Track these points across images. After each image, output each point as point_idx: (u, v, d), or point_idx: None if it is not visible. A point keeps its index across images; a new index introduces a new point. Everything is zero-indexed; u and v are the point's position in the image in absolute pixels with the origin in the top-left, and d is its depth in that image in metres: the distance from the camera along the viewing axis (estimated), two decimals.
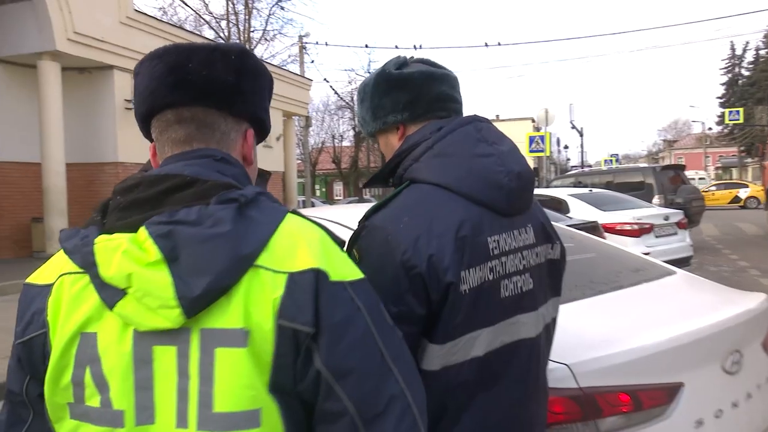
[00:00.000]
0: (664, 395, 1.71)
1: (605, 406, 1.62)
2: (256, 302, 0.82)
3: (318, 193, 41.66)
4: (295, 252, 0.85)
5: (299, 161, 27.09)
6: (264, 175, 1.96)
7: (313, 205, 22.37)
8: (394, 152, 1.34)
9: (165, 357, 0.82)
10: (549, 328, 1.35)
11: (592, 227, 6.36)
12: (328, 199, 40.16)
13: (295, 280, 0.83)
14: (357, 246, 1.20)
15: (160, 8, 24.56)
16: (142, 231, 0.82)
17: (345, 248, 1.08)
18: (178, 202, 0.86)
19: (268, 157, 19.46)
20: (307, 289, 0.83)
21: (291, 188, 21.30)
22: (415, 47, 23.43)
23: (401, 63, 1.38)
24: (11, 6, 11.26)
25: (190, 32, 18.00)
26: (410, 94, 1.31)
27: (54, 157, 11.38)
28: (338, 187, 44.91)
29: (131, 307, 0.81)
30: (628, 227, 7.83)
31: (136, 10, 13.42)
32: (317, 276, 0.84)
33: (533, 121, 47.20)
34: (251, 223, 0.85)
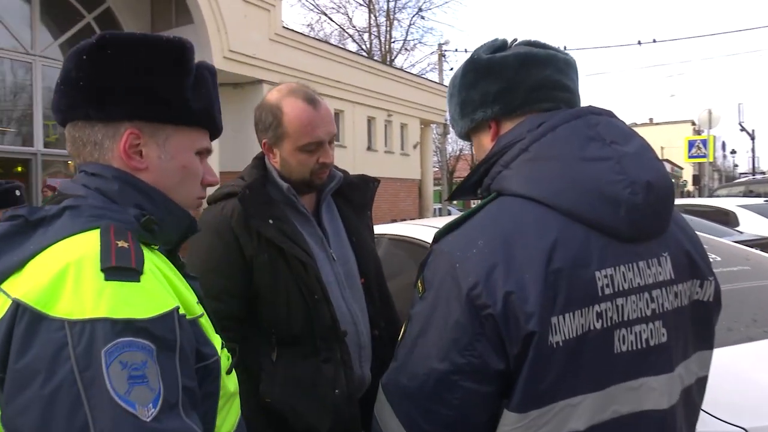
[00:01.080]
0: None
1: None
2: None
3: (454, 202, 41.51)
4: (33, 277, 0.75)
5: (436, 169, 27.10)
6: (370, 182, 1.83)
7: (449, 213, 22.20)
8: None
9: None
10: (691, 394, 1.00)
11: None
12: (465, 207, 39.81)
13: (9, 308, 0.73)
14: (422, 276, 0.96)
15: (308, 24, 25.99)
16: None
17: (417, 278, 0.92)
18: None
19: (405, 164, 19.63)
20: (6, 322, 0.72)
21: (427, 196, 21.30)
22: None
23: (497, 46, 1.09)
24: (176, 30, 12.43)
25: (335, 46, 18.73)
26: (502, 82, 1.03)
27: (211, 165, 12.32)
28: None
29: None
30: None
31: (285, 27, 14.19)
32: (16, 308, 0.72)
33: (693, 123, 43.31)
34: (23, 242, 0.80)
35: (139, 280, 0.76)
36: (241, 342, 1.53)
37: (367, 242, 1.80)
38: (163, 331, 0.73)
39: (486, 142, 1.09)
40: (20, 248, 0.79)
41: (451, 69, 30.98)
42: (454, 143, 33.75)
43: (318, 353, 1.57)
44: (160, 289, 0.79)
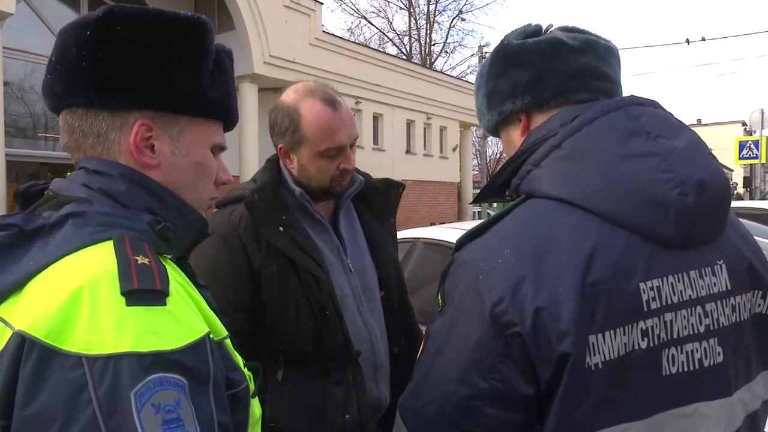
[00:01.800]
0: None
1: None
2: None
3: (495, 204, 41.04)
4: (35, 303, 0.63)
5: (476, 172, 26.86)
6: (393, 186, 1.67)
7: (488, 216, 21.94)
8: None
9: None
10: (757, 420, 0.90)
11: None
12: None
13: (10, 341, 0.61)
14: (442, 288, 0.87)
15: (348, 29, 26.16)
16: None
17: (438, 290, 0.83)
18: None
19: (443, 167, 19.52)
20: (8, 357, 0.60)
21: (466, 199, 21.11)
22: None
23: (530, 32, 0.98)
24: (219, 36, 12.70)
25: (375, 49, 18.78)
26: (533, 69, 0.93)
27: (251, 170, 12.51)
28: None
29: None
30: None
31: (324, 32, 14.31)
32: (21, 342, 0.60)
33: (744, 124, 41.73)
34: (19, 257, 0.67)
35: (165, 304, 0.65)
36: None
37: (389, 252, 1.65)
38: (195, 362, 0.63)
39: (515, 137, 1.00)
40: (16, 265, 0.66)
41: None
42: (495, 146, 33.42)
43: (329, 374, 1.44)
44: (189, 312, 0.68)
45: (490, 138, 28.74)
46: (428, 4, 26.12)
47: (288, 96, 1.50)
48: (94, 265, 0.65)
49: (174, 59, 0.78)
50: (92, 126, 0.78)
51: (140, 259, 0.67)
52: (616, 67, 0.97)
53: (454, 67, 27.85)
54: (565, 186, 0.84)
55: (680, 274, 0.82)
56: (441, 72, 21.94)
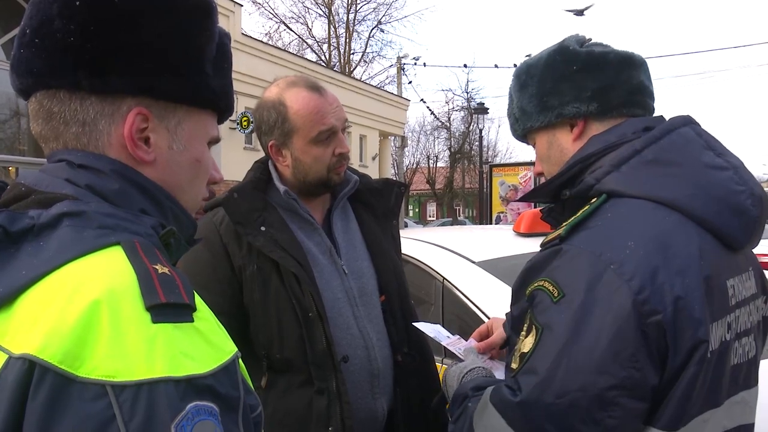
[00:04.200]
0: None
1: None
2: None
3: (411, 213, 41.74)
4: (38, 320, 0.53)
5: None
6: (395, 186, 1.60)
7: (406, 226, 22.27)
8: (570, 156, 1.01)
9: None
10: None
11: None
12: (421, 220, 40.07)
13: (9, 368, 0.52)
14: (550, 277, 0.87)
15: (266, 33, 25.73)
16: None
17: (519, 286, 0.84)
18: None
19: None
20: (10, 387, 0.50)
21: None
22: (515, 65, 22.88)
23: (584, 41, 1.05)
24: None
25: (295, 55, 18.59)
26: (603, 79, 0.99)
27: None
28: (431, 208, 44.80)
29: None
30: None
31: (244, 34, 14.00)
32: (30, 369, 0.50)
33: None
34: (4, 263, 0.57)
35: (193, 320, 0.57)
36: None
37: (389, 255, 1.58)
38: (226, 388, 0.55)
39: (565, 141, 1.05)
40: (3, 274, 0.56)
41: (410, 82, 31.33)
42: (411, 156, 34.06)
43: (312, 382, 1.37)
44: (216, 329, 0.60)
45: (408, 148, 29.21)
46: (347, 13, 26.26)
47: (270, 92, 1.46)
48: (108, 276, 0.55)
49: (180, 42, 0.69)
50: (76, 112, 0.67)
51: (160, 269, 0.58)
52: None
53: (372, 77, 28.07)
54: (659, 188, 0.90)
55: (740, 276, 0.93)
56: (361, 81, 22.06)
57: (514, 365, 0.91)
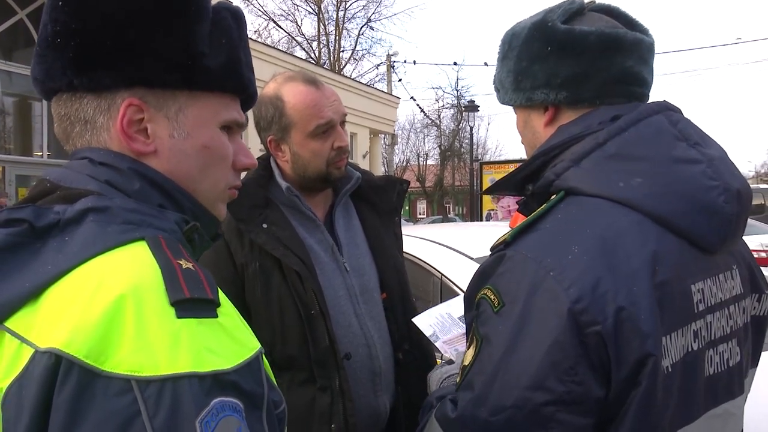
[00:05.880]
0: None
1: None
2: None
3: (402, 211, 41.85)
4: (63, 315, 0.53)
5: None
6: (397, 183, 1.58)
7: None
8: (539, 144, 0.93)
9: None
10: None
11: None
12: (411, 218, 40.13)
13: (35, 362, 0.52)
14: (493, 285, 0.81)
15: (255, 31, 25.58)
16: None
17: (470, 293, 0.78)
18: None
19: None
20: (37, 381, 0.50)
21: None
22: None
23: (574, 11, 0.93)
24: None
25: (284, 52, 18.50)
26: (577, 66, 0.89)
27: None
28: (422, 206, 44.90)
29: None
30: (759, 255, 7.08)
31: None
32: (57, 363, 0.50)
33: None
34: (30, 259, 0.57)
35: (216, 315, 0.56)
36: None
37: (391, 252, 1.58)
38: (251, 384, 0.55)
39: (537, 125, 0.96)
40: (30, 269, 0.56)
41: (400, 80, 31.32)
42: (401, 154, 34.06)
43: (315, 380, 1.37)
44: (240, 325, 0.60)
45: (398, 146, 29.18)
46: (337, 11, 26.17)
47: (269, 87, 1.46)
48: (132, 271, 0.56)
49: (160, 25, 0.67)
50: (78, 112, 0.69)
51: (184, 264, 0.58)
52: (653, 66, 0.95)
53: (362, 75, 27.99)
54: (617, 186, 0.82)
55: (715, 278, 0.84)
56: (351, 78, 22.01)
57: (458, 378, 0.87)
